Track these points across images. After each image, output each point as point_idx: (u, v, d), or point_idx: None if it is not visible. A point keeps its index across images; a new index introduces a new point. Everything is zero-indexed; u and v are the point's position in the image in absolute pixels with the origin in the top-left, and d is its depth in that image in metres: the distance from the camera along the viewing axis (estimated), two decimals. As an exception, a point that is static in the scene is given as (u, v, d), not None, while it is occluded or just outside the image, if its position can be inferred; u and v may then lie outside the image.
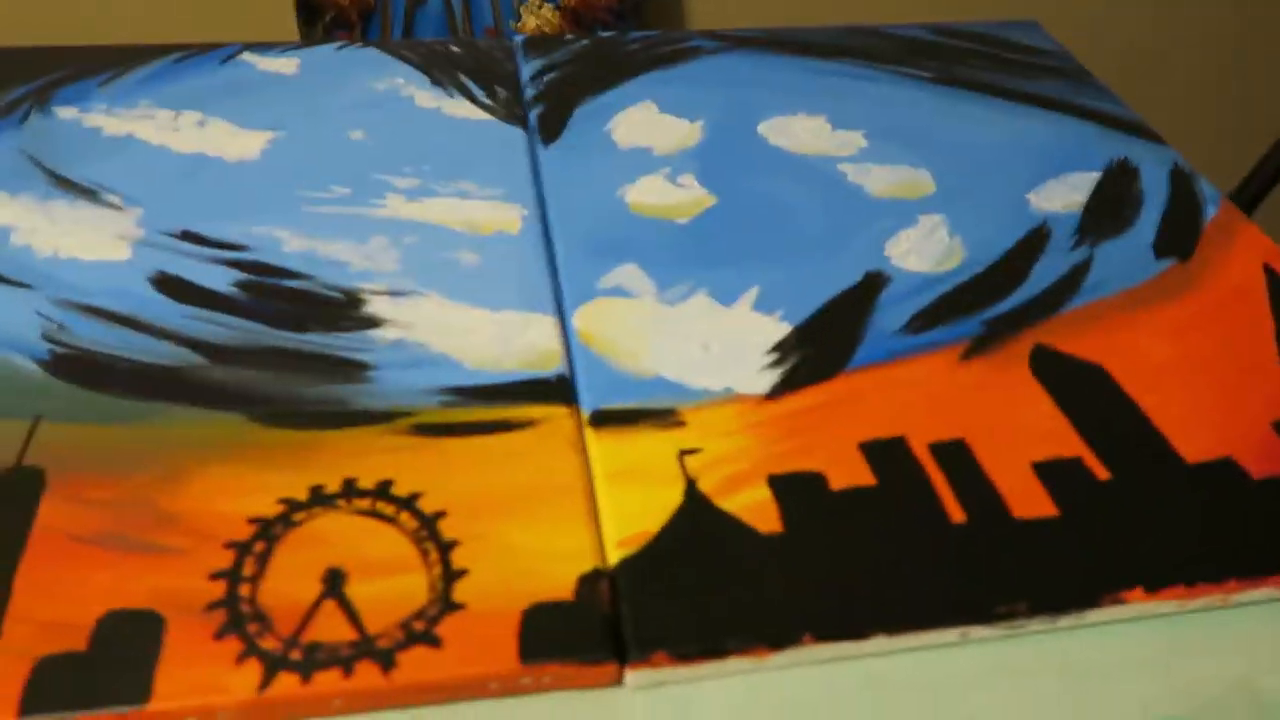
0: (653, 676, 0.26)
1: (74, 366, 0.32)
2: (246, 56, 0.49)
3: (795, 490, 0.30)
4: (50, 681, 0.24)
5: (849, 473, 0.30)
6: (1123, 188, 0.44)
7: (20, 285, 0.35)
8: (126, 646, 0.25)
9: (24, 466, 0.29)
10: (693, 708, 0.26)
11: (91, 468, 0.29)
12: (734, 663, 0.26)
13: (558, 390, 0.33)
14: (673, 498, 0.29)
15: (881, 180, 0.43)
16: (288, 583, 0.27)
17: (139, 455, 0.30)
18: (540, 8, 0.85)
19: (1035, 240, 0.40)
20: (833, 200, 0.42)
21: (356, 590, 0.27)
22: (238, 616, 0.26)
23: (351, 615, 0.26)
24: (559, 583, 0.27)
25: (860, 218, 0.41)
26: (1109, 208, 0.42)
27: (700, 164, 0.43)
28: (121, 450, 0.30)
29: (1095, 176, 0.44)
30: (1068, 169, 0.44)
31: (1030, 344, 0.35)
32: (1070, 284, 0.38)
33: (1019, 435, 0.32)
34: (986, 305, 0.37)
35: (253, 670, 0.25)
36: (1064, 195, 0.43)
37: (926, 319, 0.36)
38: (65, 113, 0.44)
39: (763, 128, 0.46)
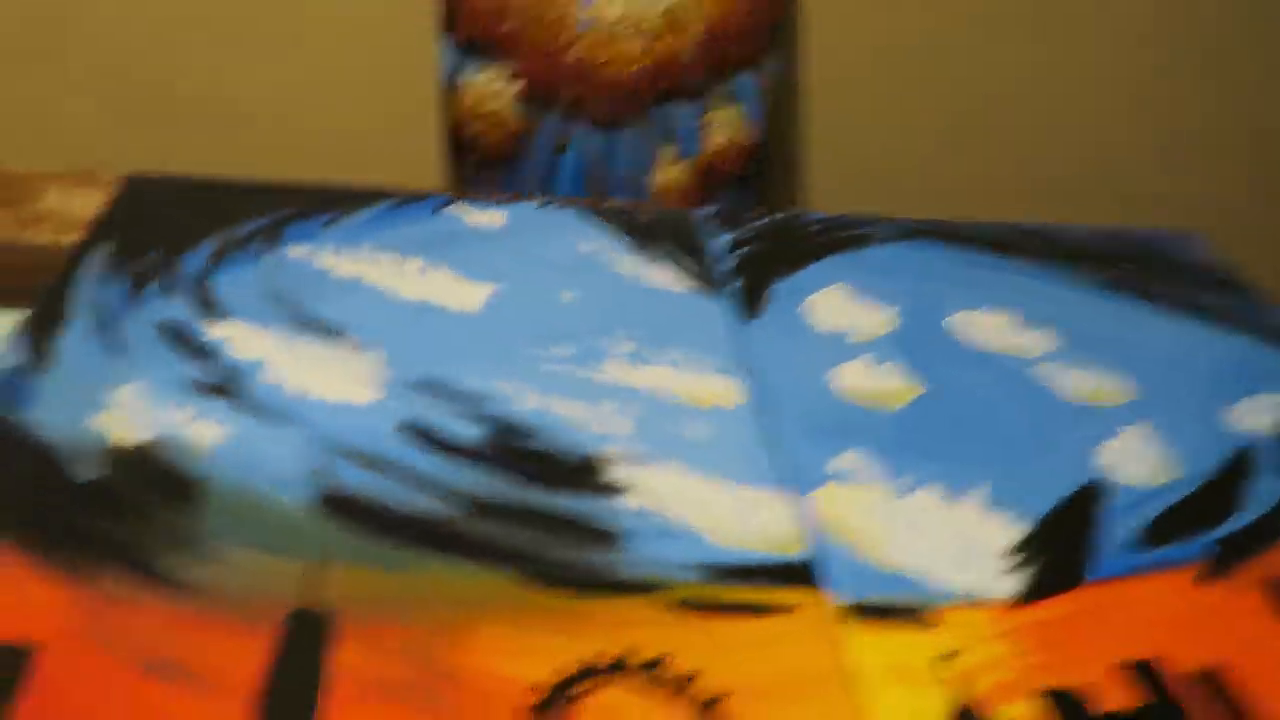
0: None
1: (343, 509, 0.33)
2: (455, 208, 0.51)
3: (1064, 709, 0.30)
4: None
5: (1112, 694, 0.30)
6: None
7: (282, 421, 0.36)
8: (431, 814, 0.25)
9: (312, 609, 0.30)
10: None
11: (379, 614, 0.30)
12: None
13: (805, 576, 0.33)
14: (939, 704, 0.29)
15: (1077, 384, 0.44)
16: (578, 759, 0.27)
17: (420, 605, 0.30)
18: (674, 164, 0.90)
19: (1243, 461, 0.41)
20: (1034, 400, 0.43)
21: (647, 774, 0.27)
22: (536, 792, 0.26)
23: (648, 801, 0.26)
24: (846, 785, 0.27)
25: (1064, 421, 0.42)
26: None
27: (899, 353, 0.45)
28: (403, 599, 0.30)
29: (1280, 399, 0.45)
30: (1255, 389, 0.45)
31: (1262, 572, 0.35)
32: (1285, 509, 0.38)
33: (1270, 670, 0.32)
34: (1211, 526, 0.37)
35: None
36: (1257, 416, 0.43)
37: (1156, 535, 0.36)
38: (296, 251, 0.46)
39: (953, 320, 0.47)
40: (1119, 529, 0.37)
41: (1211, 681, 0.31)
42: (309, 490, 0.34)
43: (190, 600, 0.30)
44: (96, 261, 0.44)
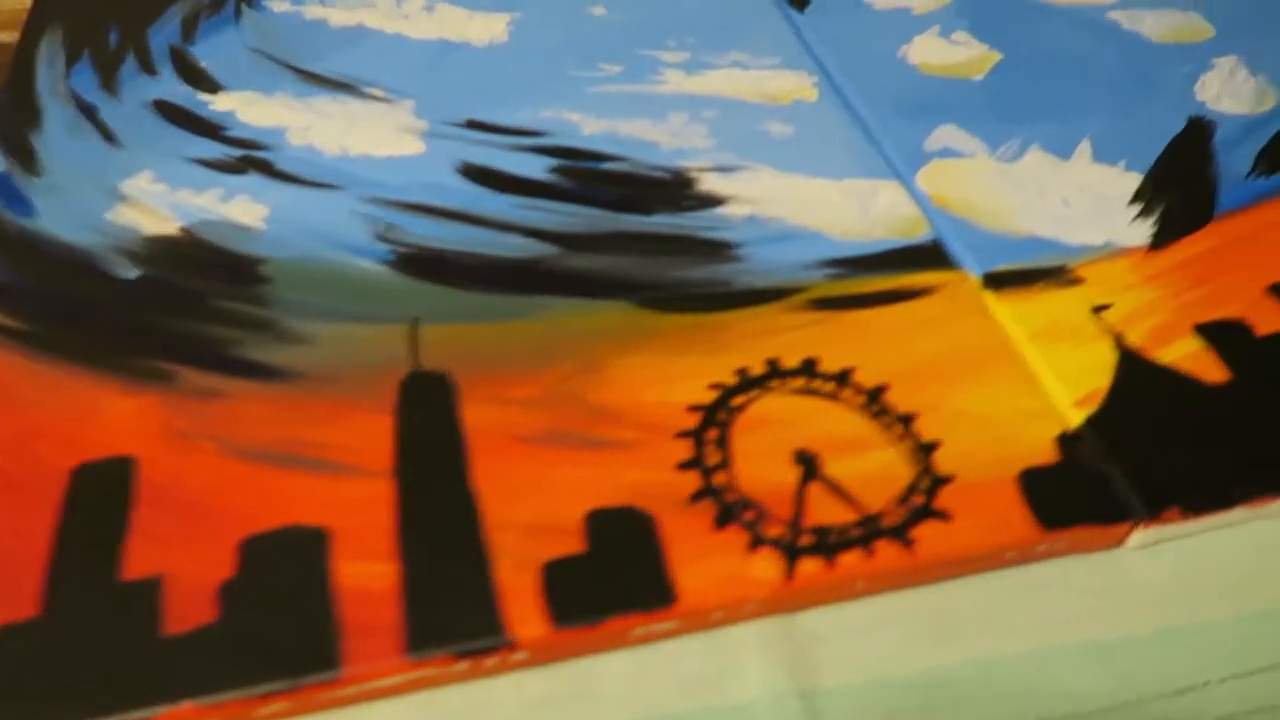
0: (1159, 534, 0.25)
1: (424, 266, 0.30)
2: (440, -64, 0.45)
3: (1224, 339, 0.28)
4: (565, 587, 0.23)
5: (1268, 318, 0.29)
6: None
7: (327, 186, 0.32)
8: (626, 546, 0.23)
9: (425, 371, 0.27)
10: (1190, 562, 0.25)
11: (498, 366, 0.27)
12: (1239, 513, 0.25)
13: (936, 256, 0.31)
14: (1105, 354, 0.28)
15: (1158, 26, 0.41)
16: (760, 468, 0.25)
17: (542, 350, 0.28)
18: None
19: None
20: (1118, 48, 0.39)
21: (833, 470, 0.25)
22: (727, 506, 0.24)
23: (843, 495, 0.24)
24: (1037, 447, 0.26)
25: (1153, 64, 0.39)
26: None
27: (967, 20, 0.41)
28: (520, 347, 0.28)
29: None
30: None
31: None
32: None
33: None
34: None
35: (770, 559, 0.23)
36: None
37: (1271, 162, 0.34)
38: (278, 6, 0.40)
39: (1010, -21, 0.43)
40: (1233, 161, 0.34)
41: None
42: (381, 252, 0.30)
43: (284, 385, 0.27)
44: (48, 51, 0.38)
